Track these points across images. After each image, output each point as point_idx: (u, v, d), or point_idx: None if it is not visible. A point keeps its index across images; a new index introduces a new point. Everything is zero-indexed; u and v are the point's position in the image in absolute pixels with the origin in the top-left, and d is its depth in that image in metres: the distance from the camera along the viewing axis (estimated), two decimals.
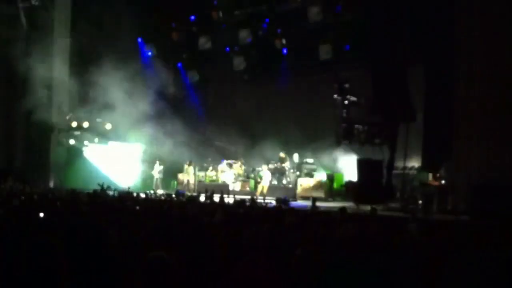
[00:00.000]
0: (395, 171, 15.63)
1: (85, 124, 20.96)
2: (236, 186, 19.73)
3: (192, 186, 20.26)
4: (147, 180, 21.22)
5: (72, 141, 21.03)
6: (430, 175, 14.14)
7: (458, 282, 3.10)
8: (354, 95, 16.13)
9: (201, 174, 21.15)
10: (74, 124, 20.86)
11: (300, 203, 16.04)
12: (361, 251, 4.54)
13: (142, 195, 15.45)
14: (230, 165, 20.55)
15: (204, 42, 21.64)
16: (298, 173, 18.61)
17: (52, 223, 6.44)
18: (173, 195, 15.42)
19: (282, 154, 19.06)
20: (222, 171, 20.67)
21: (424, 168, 15.07)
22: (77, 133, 21.05)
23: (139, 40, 23.10)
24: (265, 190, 17.65)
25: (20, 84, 20.58)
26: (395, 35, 15.15)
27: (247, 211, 9.43)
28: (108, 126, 21.08)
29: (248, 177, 20.14)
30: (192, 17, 22.05)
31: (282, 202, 13.81)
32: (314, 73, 20.85)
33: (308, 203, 14.22)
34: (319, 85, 20.10)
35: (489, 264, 3.04)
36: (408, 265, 4.23)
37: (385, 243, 5.31)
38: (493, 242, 5.77)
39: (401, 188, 15.34)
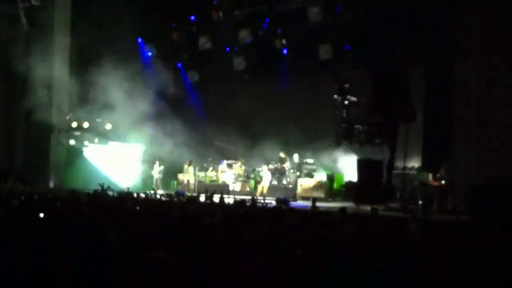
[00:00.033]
0: (395, 171, 15.64)
1: (85, 124, 20.95)
2: (236, 186, 19.73)
3: (192, 186, 20.25)
4: (147, 180, 21.21)
5: (72, 141, 21.02)
6: (430, 175, 14.15)
7: (458, 282, 3.10)
8: (354, 95, 16.13)
9: (201, 174, 21.14)
10: (74, 124, 20.86)
11: (300, 203, 16.05)
12: (361, 251, 4.54)
13: (142, 195, 15.45)
14: (230, 165, 20.55)
15: (204, 42, 21.64)
16: (298, 173, 18.61)
17: (52, 223, 6.44)
18: (173, 195, 15.40)
19: (282, 154, 19.07)
20: (222, 171, 20.67)
21: (424, 168, 15.07)
22: (77, 133, 21.04)
23: (139, 40, 23.09)
24: (265, 190, 17.65)
25: (20, 84, 20.59)
26: (395, 35, 15.15)
27: (247, 211, 9.42)
28: (108, 126, 21.08)
29: (248, 177, 20.14)
30: (192, 17, 22.04)
31: (282, 202, 13.81)
32: (314, 73, 20.84)
33: (308, 203, 14.22)
34: (319, 85, 20.10)
35: (489, 264, 3.04)
36: (408, 265, 4.23)
37: (385, 243, 5.30)
38: (493, 242, 5.77)
39: (401, 188, 15.34)
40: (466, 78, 13.20)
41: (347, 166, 18.09)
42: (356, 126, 15.95)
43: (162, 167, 20.60)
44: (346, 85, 16.18)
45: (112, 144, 21.56)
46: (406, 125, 14.97)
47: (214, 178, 21.01)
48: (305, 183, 18.03)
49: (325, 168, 18.97)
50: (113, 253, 4.59)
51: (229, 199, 14.92)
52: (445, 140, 13.97)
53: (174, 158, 21.06)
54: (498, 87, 12.59)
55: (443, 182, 13.62)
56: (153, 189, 18.52)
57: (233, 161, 20.80)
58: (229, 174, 20.22)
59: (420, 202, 13.38)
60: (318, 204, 13.08)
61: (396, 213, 12.58)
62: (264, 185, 17.76)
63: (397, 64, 15.33)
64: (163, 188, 20.17)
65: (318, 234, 5.79)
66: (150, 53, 23.09)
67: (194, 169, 20.84)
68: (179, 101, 23.64)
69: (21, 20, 20.52)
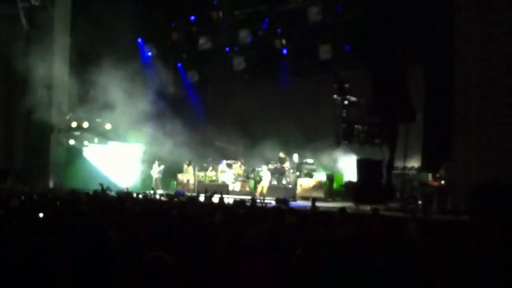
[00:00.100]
0: (395, 171, 15.64)
1: (85, 124, 20.95)
2: (235, 186, 19.74)
3: (191, 186, 20.25)
4: (147, 180, 21.21)
5: (72, 141, 21.02)
6: (430, 175, 14.15)
7: (458, 282, 3.10)
8: (354, 95, 16.12)
9: (201, 174, 21.16)
10: (74, 124, 20.85)
11: (300, 203, 16.05)
12: (361, 251, 4.54)
13: (142, 195, 15.43)
14: (230, 165, 20.56)
15: (204, 42, 21.66)
16: (297, 173, 18.62)
17: (52, 223, 6.44)
18: (173, 195, 15.39)
19: (281, 155, 19.08)
20: (222, 171, 20.67)
21: (424, 168, 15.08)
22: (77, 133, 21.03)
23: (139, 40, 23.09)
24: (264, 191, 17.65)
25: (20, 84, 20.59)
26: (395, 35, 15.15)
27: (247, 211, 9.42)
28: (108, 126, 21.07)
29: (248, 177, 20.15)
30: (192, 17, 22.05)
31: (282, 202, 13.81)
32: (314, 73, 20.85)
33: (308, 203, 14.21)
34: (319, 85, 20.09)
35: (489, 264, 3.04)
36: (408, 265, 4.23)
37: (385, 243, 5.31)
38: (493, 242, 5.77)
39: (401, 188, 15.35)
40: (466, 78, 13.19)
41: (347, 166, 18.09)
42: (356, 126, 15.94)
43: (162, 167, 20.59)
44: (346, 85, 16.16)
45: (111, 144, 21.56)
46: (406, 125, 14.98)
47: (214, 178, 21.02)
48: (304, 183, 18.04)
49: (324, 168, 18.98)
50: (113, 253, 4.59)
51: (228, 199, 14.92)
52: (445, 140, 13.97)
53: (173, 158, 21.05)
54: (498, 87, 12.58)
55: (442, 182, 13.61)
56: (152, 189, 18.53)
57: (233, 161, 20.81)
58: (228, 174, 20.23)
59: (420, 202, 13.38)
60: (317, 204, 13.07)
61: (395, 213, 12.58)
62: (263, 185, 17.76)
63: (397, 64, 15.33)
64: (162, 188, 20.17)
65: (318, 234, 5.79)
66: (150, 53, 23.09)
67: (194, 169, 20.85)
68: (179, 101, 23.65)
69: (21, 20, 20.52)
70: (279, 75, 21.33)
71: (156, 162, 20.63)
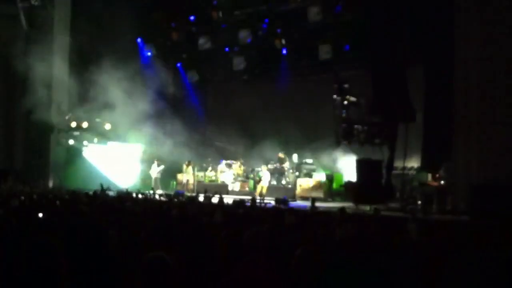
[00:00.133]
0: (394, 171, 15.64)
1: (85, 124, 20.95)
2: (235, 187, 19.74)
3: (191, 186, 20.25)
4: (147, 180, 21.20)
5: (71, 141, 21.02)
6: (430, 175, 14.15)
7: (458, 282, 3.09)
8: (353, 95, 16.11)
9: (201, 174, 21.15)
10: (73, 124, 20.85)
11: (299, 203, 16.04)
12: (361, 251, 4.54)
13: (141, 196, 15.42)
14: (229, 165, 20.56)
15: (204, 42, 21.65)
16: (297, 173, 18.61)
17: (52, 223, 6.44)
18: (173, 196, 15.38)
19: (281, 155, 19.08)
20: (221, 171, 20.67)
21: (423, 168, 15.09)
22: (76, 133, 21.03)
23: (139, 40, 23.10)
24: (264, 191, 17.64)
25: (20, 84, 20.59)
26: (395, 35, 15.15)
27: (246, 211, 9.42)
28: (108, 126, 21.07)
29: (247, 177, 20.15)
30: (192, 17, 22.04)
31: (282, 202, 13.80)
32: (314, 73, 20.86)
33: (308, 204, 14.21)
34: (319, 85, 20.10)
35: (489, 264, 3.04)
36: (408, 265, 4.23)
37: (385, 243, 5.31)
38: (493, 242, 5.77)
39: (400, 188, 15.35)
40: (466, 78, 13.19)
41: (347, 166, 18.09)
42: (356, 126, 15.93)
43: (162, 166, 20.57)
44: (346, 85, 16.16)
45: (111, 144, 21.55)
46: (406, 125, 14.97)
47: (213, 178, 21.03)
48: (304, 183, 18.04)
49: (324, 168, 18.97)
50: (113, 253, 4.59)
51: (228, 199, 14.91)
52: (445, 140, 13.97)
53: (173, 158, 21.05)
54: (498, 87, 12.58)
55: (442, 182, 13.62)
56: (152, 189, 18.52)
57: (232, 161, 20.81)
58: (228, 174, 20.24)
59: (420, 202, 13.38)
60: (317, 204, 13.07)
61: (395, 213, 12.57)
62: (263, 185, 17.76)
63: (397, 64, 15.33)
64: (162, 188, 20.17)
65: (317, 234, 5.79)
66: (149, 53, 23.09)
67: (193, 169, 20.84)
68: (178, 101, 23.66)
69: (21, 20, 20.52)
70: (279, 75, 21.33)
71: (155, 162, 20.62)
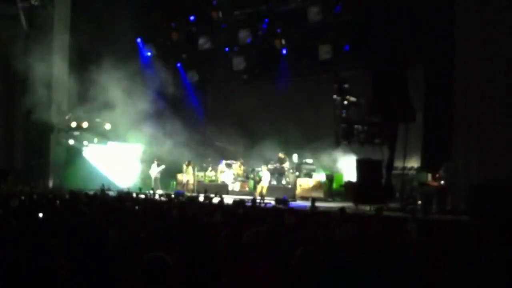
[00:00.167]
0: (394, 171, 15.64)
1: (85, 124, 20.94)
2: (235, 187, 19.74)
3: (191, 186, 20.25)
4: (147, 180, 21.20)
5: (71, 141, 21.02)
6: (430, 175, 14.15)
7: (458, 282, 3.10)
8: (353, 95, 16.12)
9: (201, 174, 21.15)
10: (73, 124, 20.84)
11: (299, 203, 16.04)
12: (361, 251, 4.54)
13: (142, 196, 15.43)
14: (229, 165, 20.56)
15: (203, 42, 21.65)
16: (297, 173, 18.61)
17: (52, 223, 6.44)
18: (172, 196, 15.38)
19: (281, 155, 19.08)
20: (221, 171, 20.67)
21: (423, 168, 15.09)
22: (76, 133, 21.03)
23: (139, 40, 23.10)
24: (264, 191, 17.64)
25: (20, 84, 20.59)
26: (395, 35, 15.15)
27: (246, 212, 9.42)
28: (108, 126, 21.07)
29: (247, 178, 20.14)
30: (192, 17, 22.04)
31: (282, 202, 13.80)
32: (313, 73, 20.85)
33: (308, 204, 14.21)
34: (319, 85, 20.09)
35: (489, 264, 3.04)
36: (408, 265, 4.23)
37: (385, 243, 5.31)
38: (493, 242, 5.77)
39: (400, 188, 15.35)
40: (466, 78, 13.18)
41: (347, 166, 18.08)
42: (356, 126, 15.93)
43: (162, 166, 20.57)
44: (346, 85, 16.16)
45: (111, 144, 21.55)
46: (406, 125, 14.98)
47: (213, 178, 21.02)
48: (304, 183, 18.03)
49: (324, 168, 18.97)
50: (113, 253, 4.59)
51: (228, 199, 14.91)
52: (445, 140, 13.97)
53: (173, 158, 21.05)
54: (498, 87, 12.57)
55: (442, 182, 13.62)
56: (152, 189, 18.52)
57: (233, 161, 20.81)
58: (228, 174, 20.23)
59: (420, 202, 13.38)
60: (317, 204, 13.06)
61: (395, 213, 12.57)
62: (263, 185, 17.76)
63: (397, 64, 15.33)
64: (162, 188, 20.17)
65: (317, 234, 5.79)
66: (149, 53, 23.09)
67: (193, 169, 20.83)
68: (178, 101, 23.64)
69: (20, 20, 20.52)
70: (279, 75, 21.32)
71: (155, 162, 20.61)
